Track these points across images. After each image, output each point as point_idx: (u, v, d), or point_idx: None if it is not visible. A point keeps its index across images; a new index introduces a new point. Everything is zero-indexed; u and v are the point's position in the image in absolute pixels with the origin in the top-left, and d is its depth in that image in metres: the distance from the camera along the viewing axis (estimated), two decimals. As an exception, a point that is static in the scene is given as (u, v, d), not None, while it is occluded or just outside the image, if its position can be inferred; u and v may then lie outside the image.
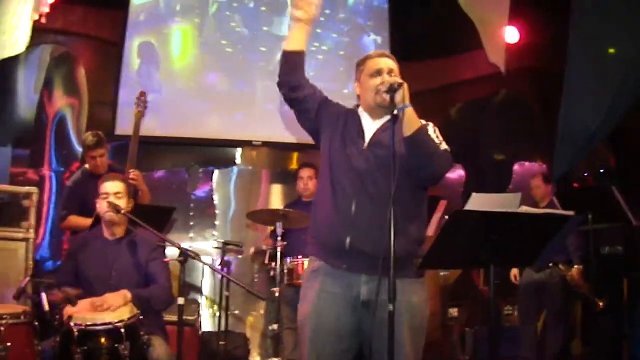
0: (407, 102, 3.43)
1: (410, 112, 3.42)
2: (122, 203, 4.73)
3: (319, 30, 8.49)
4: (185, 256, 4.35)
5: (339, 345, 3.51)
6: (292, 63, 3.76)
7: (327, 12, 8.60)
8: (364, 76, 3.74)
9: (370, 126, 3.70)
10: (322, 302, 3.53)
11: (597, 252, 7.96)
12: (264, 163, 8.53)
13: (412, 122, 3.42)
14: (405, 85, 3.45)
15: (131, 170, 6.06)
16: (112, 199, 4.69)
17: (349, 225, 3.47)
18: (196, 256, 4.44)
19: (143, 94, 6.52)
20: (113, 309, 4.27)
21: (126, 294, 4.43)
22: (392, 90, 3.41)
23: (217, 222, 8.19)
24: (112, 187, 4.76)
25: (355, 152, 3.59)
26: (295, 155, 8.60)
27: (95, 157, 6.10)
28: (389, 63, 3.70)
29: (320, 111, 3.78)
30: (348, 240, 3.46)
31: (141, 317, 4.32)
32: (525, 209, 3.36)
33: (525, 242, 3.41)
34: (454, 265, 3.79)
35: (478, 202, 3.18)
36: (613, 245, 7.93)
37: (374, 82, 3.63)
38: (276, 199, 8.42)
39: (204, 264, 4.84)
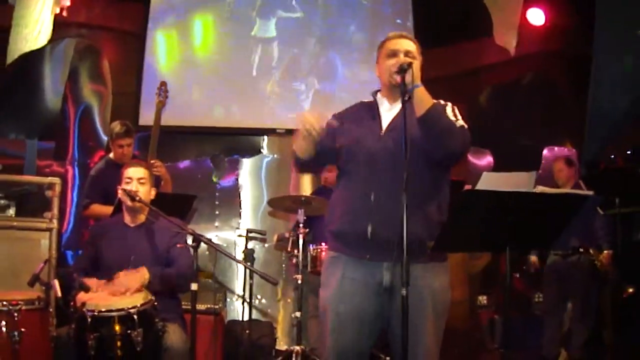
0: (418, 81, 3.39)
1: (420, 91, 3.37)
2: (145, 189, 4.74)
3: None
4: (198, 241, 4.31)
5: (361, 330, 3.50)
6: (305, 165, 3.82)
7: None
8: (381, 57, 3.69)
9: (388, 111, 3.68)
10: (344, 287, 3.53)
11: (628, 238, 7.84)
12: (290, 151, 8.49)
13: (423, 101, 3.37)
14: (416, 64, 3.41)
15: (153, 161, 6.07)
16: (134, 184, 4.70)
17: (369, 214, 3.44)
18: (209, 241, 4.42)
19: (164, 84, 6.52)
20: (130, 293, 4.27)
21: (144, 272, 4.43)
22: (402, 70, 3.37)
23: (242, 211, 8.20)
24: (136, 173, 4.76)
25: (371, 138, 3.58)
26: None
27: (122, 146, 6.13)
28: (405, 44, 3.65)
29: (336, 137, 3.72)
30: (369, 229, 3.43)
31: (155, 304, 4.28)
32: (541, 188, 3.28)
33: (543, 223, 3.30)
34: (467, 248, 3.70)
35: (489, 181, 3.11)
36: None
37: (389, 62, 3.59)
38: (304, 186, 8.38)
39: (217, 249, 4.82)
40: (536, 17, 8.42)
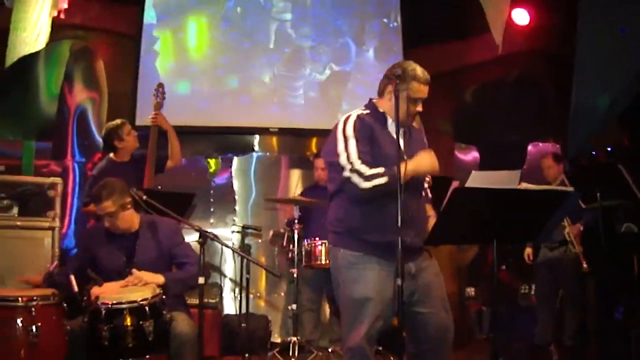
0: None
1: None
2: (118, 220, 4.78)
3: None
4: (204, 237, 4.49)
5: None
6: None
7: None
8: (404, 93, 3.98)
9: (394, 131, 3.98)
10: (383, 279, 3.92)
11: (612, 230, 8.05)
12: (282, 149, 8.73)
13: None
14: None
15: (152, 115, 6.44)
16: (108, 220, 4.77)
17: (407, 227, 3.75)
18: (215, 237, 4.59)
19: (161, 85, 6.69)
20: (140, 285, 4.50)
21: (159, 276, 4.63)
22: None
23: (236, 208, 8.40)
24: (101, 210, 4.77)
25: (388, 151, 3.95)
26: (314, 140, 8.77)
27: (129, 133, 6.34)
28: (427, 92, 4.08)
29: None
30: (407, 239, 3.76)
31: (163, 297, 4.51)
32: (525, 185, 3.51)
33: (528, 217, 3.55)
34: (458, 241, 3.97)
35: (477, 179, 3.34)
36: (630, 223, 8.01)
37: (411, 107, 4.03)
38: (295, 184, 8.60)
39: (223, 244, 5.00)
40: (521, 17, 8.60)
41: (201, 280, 4.51)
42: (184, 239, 5.03)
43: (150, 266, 4.72)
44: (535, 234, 3.72)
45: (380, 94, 4.19)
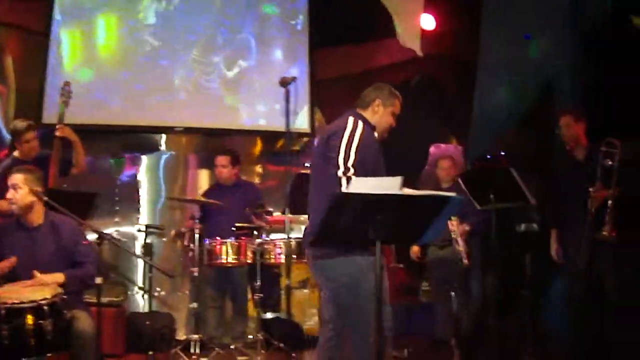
0: None
1: None
2: (20, 193, 4.87)
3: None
4: (102, 238, 4.56)
5: None
6: None
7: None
8: (390, 108, 4.57)
9: None
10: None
11: (511, 230, 8.29)
12: (190, 148, 8.77)
13: None
14: None
15: (58, 126, 6.35)
16: (11, 191, 4.86)
17: None
18: (112, 238, 4.67)
19: (67, 84, 6.68)
20: (43, 285, 4.55)
21: (59, 275, 4.70)
22: None
23: (141, 207, 8.41)
24: (10, 180, 4.93)
25: (382, 164, 4.41)
26: (227, 141, 8.83)
27: (28, 141, 6.29)
28: None
29: None
30: None
31: (64, 296, 4.56)
32: (407, 191, 3.66)
33: (410, 221, 3.70)
34: (343, 242, 4.08)
35: (359, 185, 3.46)
36: (530, 223, 8.28)
37: (392, 120, 4.59)
38: (203, 183, 8.65)
39: (117, 244, 5.06)
40: (427, 22, 8.83)
41: (98, 280, 4.59)
42: (85, 238, 5.09)
43: (50, 262, 4.80)
44: (418, 237, 3.89)
45: (366, 105, 4.53)
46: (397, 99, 4.59)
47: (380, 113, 4.50)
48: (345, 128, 4.30)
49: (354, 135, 4.26)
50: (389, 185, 3.61)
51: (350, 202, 3.43)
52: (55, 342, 4.44)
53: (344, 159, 4.17)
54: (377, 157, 4.37)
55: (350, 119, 4.37)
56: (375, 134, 4.50)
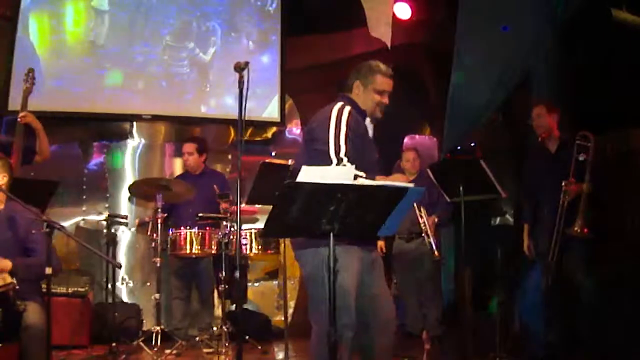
0: None
1: None
2: None
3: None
4: (51, 228, 4.45)
5: None
6: None
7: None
8: (370, 86, 4.36)
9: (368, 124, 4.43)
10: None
11: (487, 223, 8.23)
12: (162, 136, 8.66)
13: None
14: None
15: (21, 113, 6.18)
16: None
17: None
18: (61, 227, 4.56)
19: (31, 71, 6.54)
20: None
21: (7, 262, 4.58)
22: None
23: (109, 196, 8.30)
24: None
25: (372, 147, 4.37)
26: (198, 130, 8.76)
27: None
28: (391, 85, 4.40)
29: None
30: None
31: (17, 287, 4.46)
32: (362, 181, 3.54)
33: (367, 212, 3.57)
34: (296, 234, 3.96)
35: (309, 174, 3.33)
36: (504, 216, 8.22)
37: (376, 97, 4.36)
38: (176, 172, 8.50)
39: (70, 235, 4.96)
40: (403, 11, 8.74)
41: (48, 270, 4.46)
42: (41, 228, 4.97)
43: (4, 249, 4.71)
44: (375, 229, 3.75)
45: (349, 90, 4.41)
46: (379, 73, 4.36)
47: (361, 94, 4.37)
48: (329, 118, 4.19)
49: (340, 125, 4.15)
50: (341, 174, 3.49)
51: (299, 192, 3.31)
52: (5, 332, 4.37)
53: (335, 151, 4.07)
54: (364, 141, 4.27)
55: (335, 108, 4.25)
56: (368, 118, 4.41)
